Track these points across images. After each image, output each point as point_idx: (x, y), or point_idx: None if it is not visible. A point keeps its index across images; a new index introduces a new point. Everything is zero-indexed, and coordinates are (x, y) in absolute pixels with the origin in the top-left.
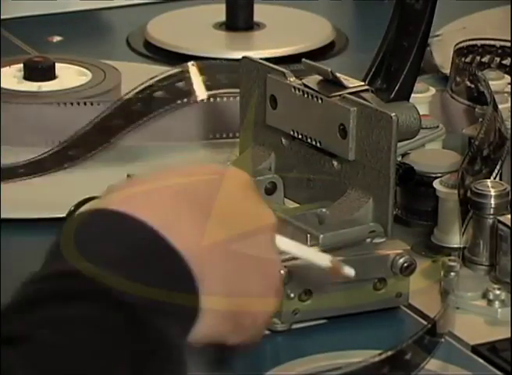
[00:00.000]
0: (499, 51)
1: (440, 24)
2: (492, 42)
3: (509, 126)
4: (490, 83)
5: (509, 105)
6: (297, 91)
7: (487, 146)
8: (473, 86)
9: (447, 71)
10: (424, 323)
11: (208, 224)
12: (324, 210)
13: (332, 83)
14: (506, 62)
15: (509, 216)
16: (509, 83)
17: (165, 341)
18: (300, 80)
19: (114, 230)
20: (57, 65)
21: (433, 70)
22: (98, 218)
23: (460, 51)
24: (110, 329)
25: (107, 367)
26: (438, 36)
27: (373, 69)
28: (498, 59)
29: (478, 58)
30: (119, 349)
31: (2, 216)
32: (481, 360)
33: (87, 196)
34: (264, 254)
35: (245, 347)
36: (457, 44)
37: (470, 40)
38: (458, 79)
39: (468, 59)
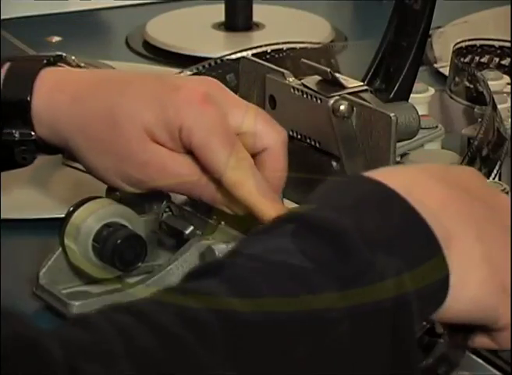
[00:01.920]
0: (498, 51)
1: (440, 24)
2: (491, 42)
3: (508, 127)
4: (489, 83)
5: (508, 105)
6: (296, 91)
7: (486, 146)
8: (472, 86)
9: (445, 64)
10: (424, 323)
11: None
12: None
13: (331, 83)
14: (505, 62)
15: None
16: (508, 84)
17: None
18: (299, 80)
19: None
20: None
21: (429, 62)
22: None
23: (459, 52)
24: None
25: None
26: (440, 27)
27: (372, 70)
28: (497, 59)
29: (477, 58)
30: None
31: (2, 216)
32: (480, 360)
33: (87, 196)
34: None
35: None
36: (456, 44)
37: (469, 40)
38: (457, 79)
39: (467, 59)
